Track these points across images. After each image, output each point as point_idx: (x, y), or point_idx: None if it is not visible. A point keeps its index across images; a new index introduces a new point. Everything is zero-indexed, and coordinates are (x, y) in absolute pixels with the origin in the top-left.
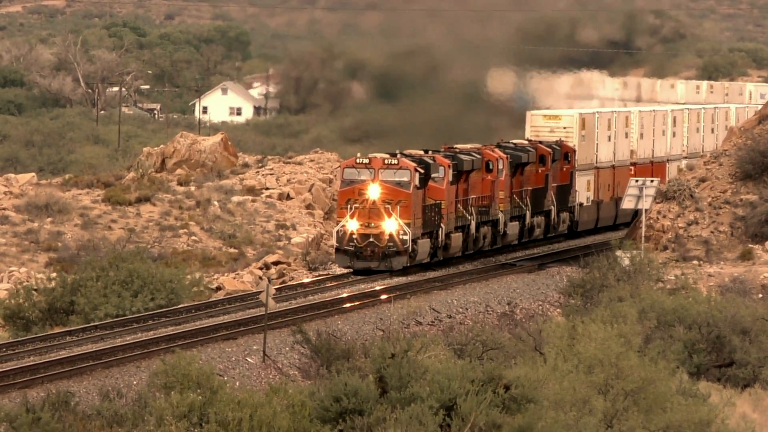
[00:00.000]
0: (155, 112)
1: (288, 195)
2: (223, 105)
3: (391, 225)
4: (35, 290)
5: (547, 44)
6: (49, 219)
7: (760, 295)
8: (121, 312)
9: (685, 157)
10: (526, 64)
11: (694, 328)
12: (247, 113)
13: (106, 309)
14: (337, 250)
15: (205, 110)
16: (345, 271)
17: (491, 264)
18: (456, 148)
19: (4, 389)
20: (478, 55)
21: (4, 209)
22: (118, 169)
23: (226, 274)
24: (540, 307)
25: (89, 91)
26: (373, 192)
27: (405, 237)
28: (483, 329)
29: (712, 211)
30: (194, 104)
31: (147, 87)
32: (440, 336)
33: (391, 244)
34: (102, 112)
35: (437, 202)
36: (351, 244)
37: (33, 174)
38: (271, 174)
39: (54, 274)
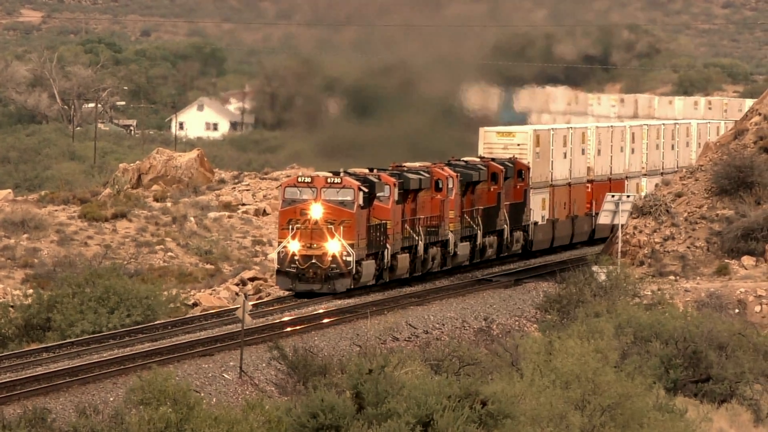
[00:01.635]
0: (131, 128)
1: (264, 211)
2: (200, 121)
3: (334, 246)
4: (11, 307)
5: (523, 60)
6: (26, 235)
7: (737, 311)
8: (97, 328)
9: (645, 175)
10: (502, 80)
11: (671, 344)
12: (224, 129)
13: (82, 325)
14: (278, 272)
15: (181, 126)
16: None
17: (468, 279)
18: (404, 166)
19: None
20: (454, 70)
21: None
22: (94, 185)
23: (202, 290)
24: (517, 323)
25: (65, 107)
26: (316, 212)
27: (348, 258)
28: (460, 345)
29: (689, 226)
30: (170, 120)
31: (123, 103)
32: (417, 352)
33: (335, 265)
34: (78, 128)
35: (383, 222)
36: (293, 265)
37: (9, 190)
38: (247, 190)
39: (30, 291)
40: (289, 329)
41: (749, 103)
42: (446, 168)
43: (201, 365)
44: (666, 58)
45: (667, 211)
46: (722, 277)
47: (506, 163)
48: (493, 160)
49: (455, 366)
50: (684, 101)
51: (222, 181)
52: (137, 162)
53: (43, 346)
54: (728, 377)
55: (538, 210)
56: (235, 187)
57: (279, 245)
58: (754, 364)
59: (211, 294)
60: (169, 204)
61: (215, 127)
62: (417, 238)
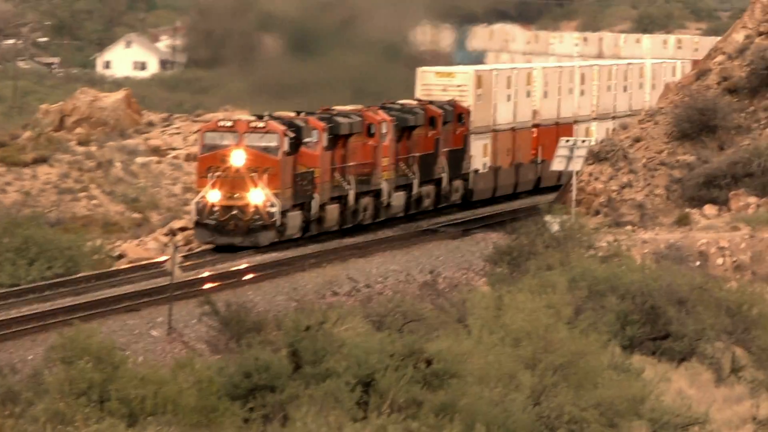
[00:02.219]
0: (54, 66)
1: (196, 156)
2: (127, 59)
3: (257, 196)
4: None
5: None
6: None
7: (698, 263)
8: (15, 281)
9: (595, 119)
10: (452, 17)
11: (628, 298)
12: (153, 68)
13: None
14: (197, 224)
15: (107, 65)
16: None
17: (413, 230)
18: (334, 109)
19: None
20: (400, 6)
21: None
22: (13, 127)
23: (129, 241)
24: (464, 276)
25: None
26: (237, 159)
27: (273, 209)
28: (403, 300)
29: (647, 173)
30: (96, 58)
31: (45, 39)
32: (358, 307)
33: (257, 217)
34: None
35: (310, 170)
36: (212, 217)
37: None
38: (177, 133)
39: None
40: (221, 283)
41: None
42: (380, 112)
43: (127, 321)
44: None
45: (625, 156)
46: (683, 227)
47: (445, 106)
48: (431, 102)
49: (398, 322)
50: (652, 39)
51: (151, 124)
52: (60, 103)
53: None
54: (688, 334)
55: (479, 157)
56: (164, 131)
57: (198, 195)
58: (715, 321)
59: (138, 245)
60: (93, 148)
61: (144, 66)
62: (347, 187)
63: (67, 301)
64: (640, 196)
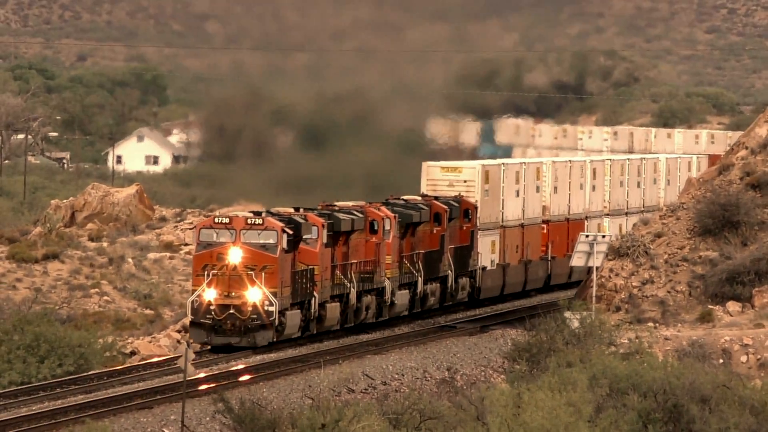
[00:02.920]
0: (64, 161)
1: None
2: (139, 153)
3: (255, 294)
4: None
5: (491, 89)
6: None
7: (721, 361)
8: (26, 379)
9: (607, 215)
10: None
11: (650, 396)
12: (165, 162)
13: (10, 376)
14: (192, 323)
15: (119, 159)
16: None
17: (430, 326)
18: (335, 205)
19: None
20: (416, 100)
21: None
22: (23, 223)
23: (141, 338)
24: (483, 373)
25: None
26: (234, 256)
27: (271, 308)
28: (420, 397)
29: (669, 269)
30: (107, 153)
31: (56, 134)
32: (374, 404)
33: (255, 316)
34: (6, 161)
35: (309, 267)
36: (208, 316)
37: None
38: (190, 228)
39: None
40: (234, 380)
41: (762, 133)
42: (383, 208)
43: (139, 419)
44: (645, 86)
45: (646, 252)
46: (705, 324)
47: (451, 202)
48: (436, 198)
49: (416, 420)
50: (684, 134)
51: (163, 219)
52: (71, 198)
53: None
54: None
55: (486, 254)
56: (177, 226)
57: (193, 293)
58: (739, 419)
59: (150, 342)
60: (105, 244)
61: (156, 160)
62: (349, 285)
63: (79, 399)
64: (661, 292)
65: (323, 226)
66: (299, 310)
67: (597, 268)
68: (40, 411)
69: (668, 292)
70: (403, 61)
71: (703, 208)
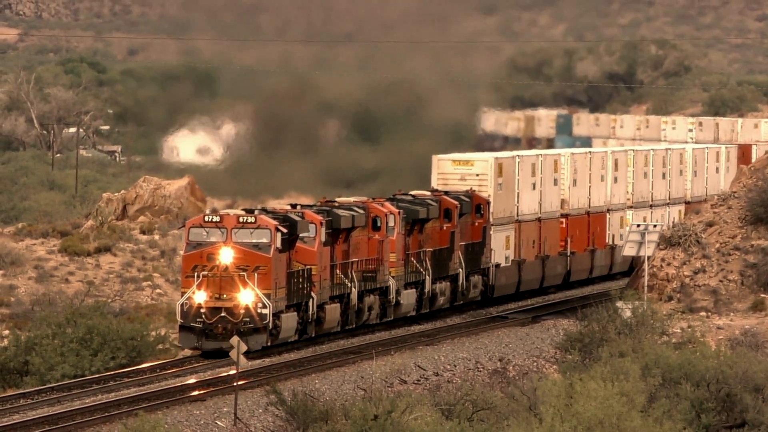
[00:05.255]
0: (116, 154)
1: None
2: (191, 145)
3: (247, 296)
4: None
5: (541, 79)
6: (1, 271)
7: None
8: (79, 372)
9: (631, 207)
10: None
11: (702, 386)
12: (217, 154)
13: (63, 369)
14: (182, 327)
15: (171, 151)
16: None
17: (482, 317)
18: (335, 201)
19: None
20: (467, 90)
21: None
22: (75, 216)
23: None
24: (535, 364)
25: (44, 132)
26: (225, 256)
27: (264, 311)
28: (473, 388)
29: (721, 258)
30: (159, 145)
31: (107, 127)
32: (426, 395)
33: (248, 319)
34: (58, 155)
35: (307, 267)
36: (198, 320)
37: None
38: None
39: (6, 332)
40: (287, 372)
41: None
42: (386, 204)
43: (192, 411)
44: (696, 75)
45: (698, 241)
46: (758, 313)
47: (462, 197)
48: (446, 193)
49: (468, 411)
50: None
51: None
52: (122, 191)
53: (21, 391)
54: (765, 422)
55: (500, 250)
56: None
57: (183, 296)
58: None
59: None
60: (156, 237)
61: (208, 151)
62: (350, 285)
63: (132, 392)
64: (713, 281)
65: (321, 223)
66: (296, 313)
67: (649, 257)
68: (93, 404)
69: (720, 281)
70: (452, 52)
71: (755, 197)
